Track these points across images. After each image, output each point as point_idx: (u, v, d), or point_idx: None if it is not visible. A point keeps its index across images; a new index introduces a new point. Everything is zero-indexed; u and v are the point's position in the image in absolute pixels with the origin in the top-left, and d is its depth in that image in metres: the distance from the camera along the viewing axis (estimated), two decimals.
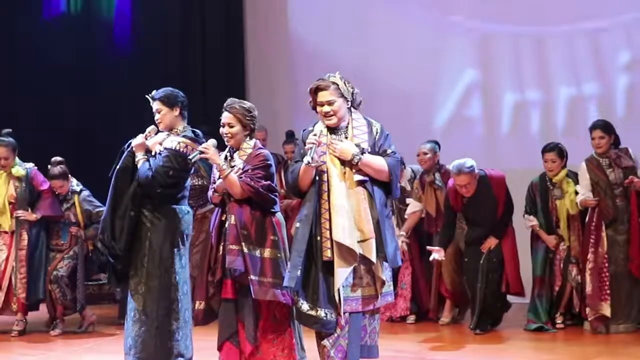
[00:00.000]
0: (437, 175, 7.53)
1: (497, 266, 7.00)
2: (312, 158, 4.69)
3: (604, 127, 6.86)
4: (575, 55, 8.67)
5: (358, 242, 4.73)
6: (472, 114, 9.21)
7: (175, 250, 5.30)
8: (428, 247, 6.56)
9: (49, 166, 7.49)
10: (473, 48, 9.15)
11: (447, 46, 9.23)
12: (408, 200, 7.64)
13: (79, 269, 7.48)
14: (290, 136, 8.31)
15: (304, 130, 4.94)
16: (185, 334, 5.33)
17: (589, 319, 6.87)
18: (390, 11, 9.56)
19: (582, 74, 8.66)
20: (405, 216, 7.61)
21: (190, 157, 5.17)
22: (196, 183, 7.40)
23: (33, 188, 7.45)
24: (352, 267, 4.75)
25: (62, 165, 7.47)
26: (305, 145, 4.80)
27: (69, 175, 7.52)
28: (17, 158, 7.46)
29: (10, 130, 7.51)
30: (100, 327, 7.71)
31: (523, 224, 7.27)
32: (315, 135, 4.78)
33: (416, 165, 7.77)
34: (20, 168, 7.45)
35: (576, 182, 7.02)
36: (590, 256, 6.81)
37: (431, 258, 6.36)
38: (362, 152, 4.78)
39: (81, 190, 7.55)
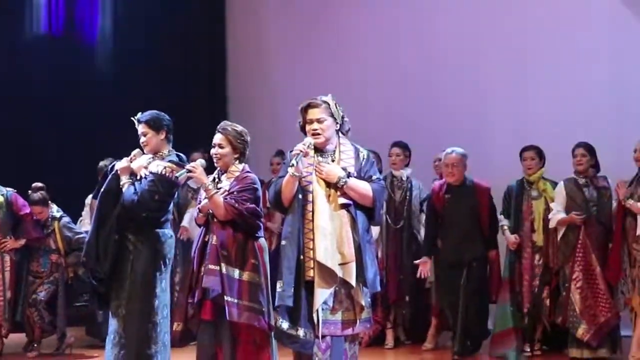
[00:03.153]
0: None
1: (474, 292, 6.98)
2: (296, 163, 4.72)
3: (587, 147, 7.06)
4: None
5: (339, 264, 4.75)
6: None
7: (157, 274, 5.28)
8: (415, 262, 6.68)
9: (29, 192, 7.48)
10: None
11: None
12: None
13: (60, 296, 7.46)
14: (279, 152, 8.40)
15: (290, 151, 4.97)
16: (164, 357, 5.30)
17: (586, 339, 6.79)
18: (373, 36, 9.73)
19: None
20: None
21: (177, 175, 5.19)
22: None
23: (14, 213, 7.42)
24: (332, 289, 4.76)
25: (42, 192, 7.46)
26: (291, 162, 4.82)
27: (49, 202, 7.51)
28: None
29: None
30: (78, 349, 7.67)
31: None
32: (304, 144, 4.81)
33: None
34: None
35: (554, 188, 7.14)
36: (579, 275, 6.85)
37: (418, 275, 6.46)
38: (349, 176, 4.83)
39: (61, 217, 7.55)
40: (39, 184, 7.49)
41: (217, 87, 10.83)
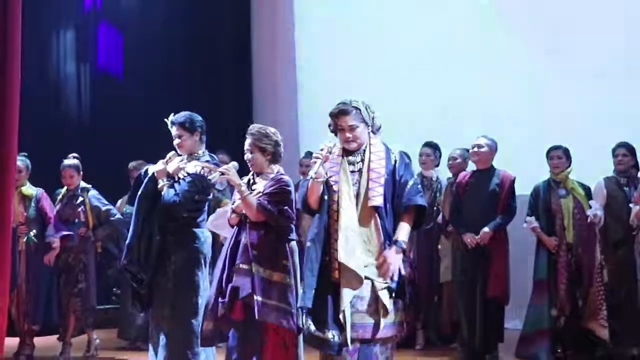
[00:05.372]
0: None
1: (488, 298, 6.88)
2: (317, 169, 4.66)
3: (628, 147, 7.08)
4: None
5: (364, 266, 4.66)
6: None
7: (200, 273, 5.36)
8: (471, 239, 6.80)
9: (64, 160, 7.44)
10: None
11: None
12: None
13: (89, 274, 7.35)
14: (308, 153, 8.39)
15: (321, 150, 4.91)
16: (208, 354, 5.41)
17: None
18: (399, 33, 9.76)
19: None
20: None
21: (210, 177, 5.22)
22: None
23: (40, 211, 7.38)
24: (357, 290, 4.67)
25: (77, 159, 7.43)
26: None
27: (81, 172, 7.45)
28: (27, 181, 7.42)
29: (26, 154, 7.40)
30: (108, 352, 7.64)
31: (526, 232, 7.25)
32: (322, 150, 4.73)
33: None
34: (30, 188, 7.40)
35: (584, 190, 7.09)
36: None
37: (479, 240, 6.72)
38: (396, 242, 4.71)
39: (90, 189, 7.47)
40: (75, 154, 7.46)
41: (242, 88, 10.92)
